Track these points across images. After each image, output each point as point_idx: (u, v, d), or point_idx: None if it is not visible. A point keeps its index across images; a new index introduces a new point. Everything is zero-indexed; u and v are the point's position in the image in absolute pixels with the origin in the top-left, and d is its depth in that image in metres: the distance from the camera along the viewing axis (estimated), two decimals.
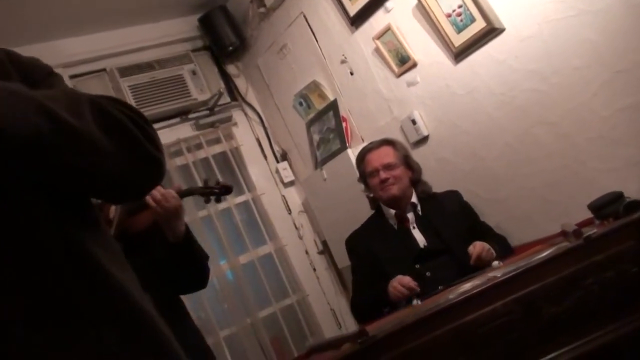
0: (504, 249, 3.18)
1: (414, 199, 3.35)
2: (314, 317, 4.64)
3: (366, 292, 3.19)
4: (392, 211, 3.34)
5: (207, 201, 2.75)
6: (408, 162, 3.40)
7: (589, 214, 2.63)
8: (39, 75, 1.16)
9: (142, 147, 1.12)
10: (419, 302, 2.74)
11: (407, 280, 2.97)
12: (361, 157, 3.45)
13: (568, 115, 3.05)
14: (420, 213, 3.33)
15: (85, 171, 1.04)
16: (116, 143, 1.07)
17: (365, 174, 3.41)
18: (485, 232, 3.27)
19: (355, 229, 3.52)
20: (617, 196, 2.49)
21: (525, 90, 3.18)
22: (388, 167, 3.30)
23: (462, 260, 3.01)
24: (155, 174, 1.18)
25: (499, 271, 2.32)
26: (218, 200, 2.75)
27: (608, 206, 2.45)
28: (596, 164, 3.00)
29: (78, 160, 1.02)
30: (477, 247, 2.96)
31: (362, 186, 3.53)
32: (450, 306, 2.13)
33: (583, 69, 2.94)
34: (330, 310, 4.71)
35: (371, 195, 3.46)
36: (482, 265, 2.90)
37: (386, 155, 3.35)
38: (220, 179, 3.09)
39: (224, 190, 2.72)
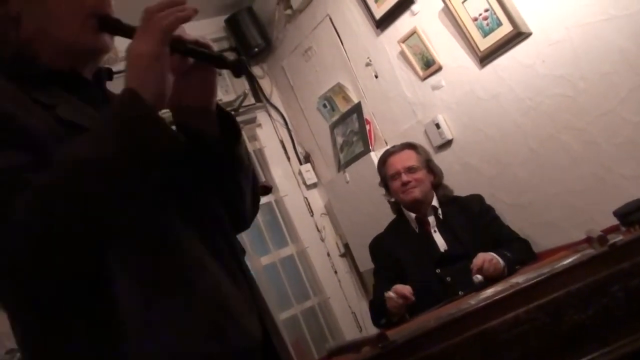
0: (523, 255, 3.12)
1: (434, 202, 3.34)
2: (335, 320, 4.63)
3: (381, 298, 3.18)
4: (413, 215, 3.32)
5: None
6: (430, 166, 3.39)
7: (614, 221, 2.59)
8: None
9: None
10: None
11: (402, 289, 2.95)
12: (383, 161, 3.45)
13: (595, 121, 3.02)
14: (441, 217, 3.31)
15: None
16: None
17: (386, 177, 3.40)
18: (505, 237, 3.23)
19: (378, 233, 3.52)
20: None
21: (552, 95, 3.15)
22: (410, 170, 3.30)
23: None
24: None
25: (521, 277, 2.29)
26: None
27: (634, 213, 2.42)
28: (623, 170, 2.97)
29: None
30: (478, 260, 2.89)
31: (383, 190, 3.52)
32: (472, 312, 2.11)
33: (612, 75, 2.91)
34: (351, 314, 4.70)
35: (392, 199, 3.46)
36: (487, 277, 2.84)
37: (408, 158, 3.35)
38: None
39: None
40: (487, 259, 2.90)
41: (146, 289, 1.11)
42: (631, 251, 2.11)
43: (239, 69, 1.21)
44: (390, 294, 2.97)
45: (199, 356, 1.14)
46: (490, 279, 2.82)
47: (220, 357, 1.16)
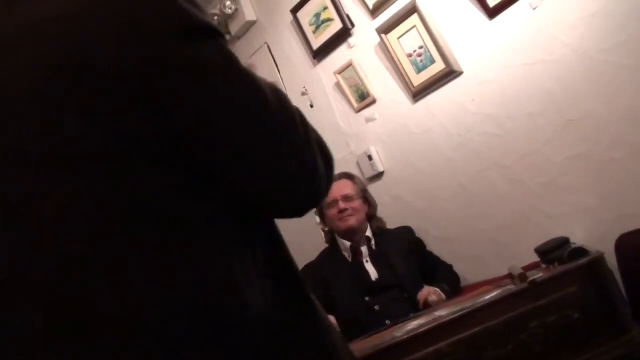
0: (454, 286, 3.22)
1: (368, 233, 3.38)
2: None
3: None
4: (348, 243, 3.35)
5: None
6: (366, 197, 3.44)
7: (536, 258, 2.67)
8: None
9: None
10: None
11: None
12: None
13: (522, 160, 3.11)
14: (374, 247, 3.35)
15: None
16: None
17: (323, 205, 3.42)
18: (436, 268, 3.31)
19: (310, 261, 3.52)
20: (564, 242, 2.54)
21: (481, 133, 3.24)
22: (347, 198, 3.33)
23: (413, 295, 3.05)
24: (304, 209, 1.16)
25: (444, 311, 2.33)
26: None
27: (554, 251, 2.50)
28: (546, 209, 3.06)
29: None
30: (424, 292, 3.03)
31: (316, 220, 3.54)
32: (396, 344, 2.14)
33: (537, 116, 3.00)
34: None
35: (327, 229, 3.47)
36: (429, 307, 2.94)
37: (345, 187, 3.38)
38: None
39: None
40: (432, 291, 3.03)
41: None
42: (550, 288, 2.18)
43: None
44: None
45: None
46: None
47: None
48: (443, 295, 3.04)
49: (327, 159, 1.12)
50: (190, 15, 0.97)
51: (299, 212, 1.14)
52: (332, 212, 3.35)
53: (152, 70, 0.93)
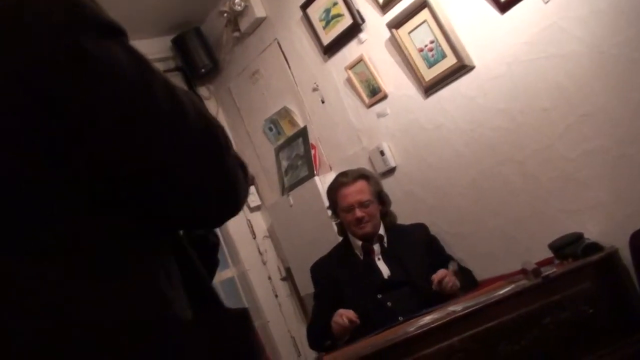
0: (469, 281, 3.20)
1: (381, 231, 3.35)
2: (274, 344, 4.60)
3: (322, 321, 3.18)
4: (359, 242, 3.33)
5: None
6: (380, 197, 3.40)
7: (550, 253, 2.66)
8: None
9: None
10: None
11: (347, 312, 2.97)
12: (335, 189, 3.40)
13: (534, 155, 3.09)
14: (386, 245, 3.33)
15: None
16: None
17: (337, 206, 3.39)
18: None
19: (321, 257, 3.51)
20: (577, 237, 2.52)
21: (493, 128, 3.22)
22: (363, 205, 3.28)
23: (425, 292, 3.02)
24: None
25: (458, 305, 2.32)
26: None
27: (567, 247, 2.49)
28: (559, 204, 3.04)
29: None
30: (440, 273, 2.98)
31: (328, 213, 3.52)
32: (408, 339, 2.13)
33: (550, 111, 2.99)
34: (290, 338, 4.68)
35: (338, 221, 3.45)
36: (444, 292, 2.93)
37: (361, 191, 3.31)
38: None
39: None
40: (448, 273, 2.99)
41: None
42: (563, 284, 2.17)
43: None
44: (337, 319, 2.97)
45: None
46: (449, 294, 2.94)
47: None
48: (457, 282, 3.01)
49: (242, 165, 1.07)
50: (97, 13, 0.92)
51: (219, 224, 1.12)
52: (348, 217, 3.30)
53: (53, 71, 0.87)
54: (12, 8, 0.87)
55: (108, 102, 0.88)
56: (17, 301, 0.84)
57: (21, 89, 0.85)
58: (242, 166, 1.07)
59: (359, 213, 3.26)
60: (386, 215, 3.41)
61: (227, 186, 1.01)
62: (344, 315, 2.96)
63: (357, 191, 3.32)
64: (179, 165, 0.94)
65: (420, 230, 3.42)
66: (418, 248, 3.30)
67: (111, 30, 0.93)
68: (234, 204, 1.06)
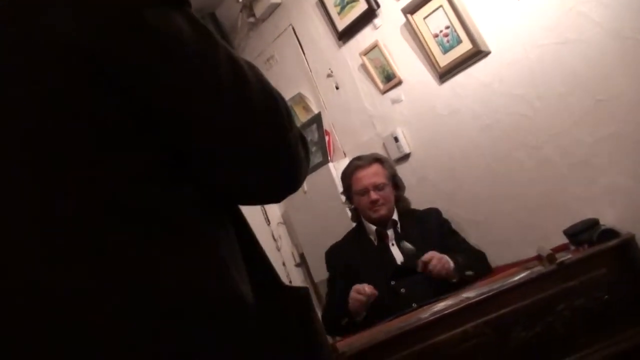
0: (476, 264, 3.17)
1: (395, 216, 3.35)
2: None
3: (338, 303, 3.18)
4: (374, 227, 3.33)
5: None
6: (395, 181, 3.40)
7: (565, 240, 2.64)
8: None
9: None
10: None
11: (362, 287, 2.97)
12: (350, 173, 3.40)
13: (550, 141, 3.07)
14: (399, 231, 3.32)
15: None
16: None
17: (351, 190, 3.39)
18: (462, 250, 3.27)
19: (335, 242, 3.51)
20: (593, 223, 2.50)
21: (509, 114, 3.20)
22: (378, 187, 3.29)
23: (439, 279, 3.01)
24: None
25: (472, 292, 2.31)
26: None
27: (583, 233, 2.47)
28: (575, 190, 3.01)
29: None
30: (427, 255, 3.00)
31: (342, 199, 3.52)
32: (421, 325, 2.13)
33: (567, 96, 2.96)
34: None
35: (353, 207, 3.45)
36: (434, 276, 2.95)
37: (376, 174, 3.32)
38: None
39: None
40: (436, 256, 2.99)
41: None
42: (578, 270, 2.15)
43: None
44: (353, 294, 2.97)
45: None
46: (438, 278, 2.95)
47: None
48: (450, 264, 2.99)
49: (304, 141, 1.06)
50: None
51: (277, 199, 1.10)
52: (363, 201, 3.31)
53: (112, 40, 0.87)
54: None
55: (168, 73, 0.89)
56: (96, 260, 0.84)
57: (83, 59, 0.85)
58: (304, 141, 1.05)
59: (374, 195, 3.26)
60: (400, 200, 3.41)
61: (288, 160, 1.00)
62: (360, 290, 2.96)
63: (372, 174, 3.32)
64: (241, 137, 0.94)
65: (433, 215, 3.41)
66: (432, 233, 3.29)
67: (181, 2, 0.95)
68: (294, 179, 1.05)
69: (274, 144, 0.97)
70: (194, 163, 0.94)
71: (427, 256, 2.98)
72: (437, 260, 2.97)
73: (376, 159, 3.40)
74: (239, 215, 1.07)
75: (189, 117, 0.91)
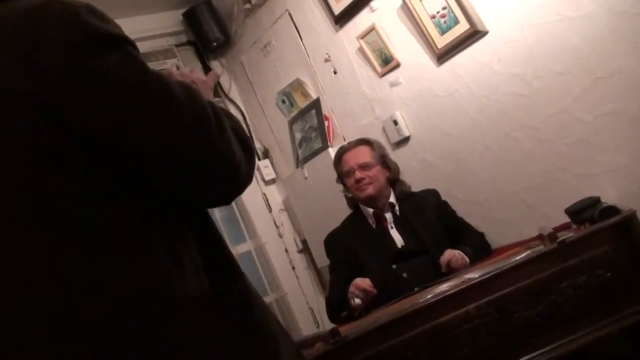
0: (481, 249, 3.18)
1: (392, 198, 3.35)
2: (293, 316, 4.62)
3: (339, 293, 3.17)
4: (371, 210, 3.33)
5: None
6: (385, 162, 3.39)
7: (567, 219, 2.63)
8: None
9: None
10: None
11: (361, 283, 2.94)
12: (338, 157, 3.46)
13: (549, 120, 3.06)
14: (398, 213, 3.32)
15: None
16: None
17: (342, 174, 3.40)
18: (462, 231, 3.28)
19: (333, 229, 3.51)
20: (594, 201, 2.49)
21: (507, 93, 3.19)
22: (364, 166, 3.30)
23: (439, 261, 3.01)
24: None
25: (474, 273, 2.31)
26: None
27: (584, 211, 2.46)
28: (575, 169, 3.01)
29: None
30: (446, 255, 2.97)
31: (341, 186, 3.52)
32: (424, 307, 2.13)
33: (565, 74, 2.95)
34: (309, 309, 4.70)
35: (349, 195, 3.45)
36: (454, 271, 2.90)
37: (362, 155, 3.35)
38: None
39: None
40: (455, 254, 2.97)
41: None
42: (580, 248, 2.15)
43: None
44: (353, 290, 2.95)
45: None
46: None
47: None
48: (466, 258, 3.00)
49: (247, 145, 1.22)
50: (94, 28, 1.06)
51: (224, 203, 1.26)
52: (350, 181, 3.33)
53: (56, 82, 1.02)
54: (20, 27, 1.04)
55: (107, 106, 1.04)
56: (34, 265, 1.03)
57: (32, 105, 1.02)
58: (244, 144, 1.21)
59: (358, 174, 3.28)
60: (396, 182, 3.40)
61: (222, 166, 1.14)
62: (359, 287, 2.93)
63: (357, 154, 3.36)
64: (174, 150, 1.08)
65: (431, 195, 3.41)
66: (430, 215, 3.29)
67: (110, 42, 1.08)
68: (229, 180, 1.19)
69: (199, 150, 1.11)
70: (139, 175, 1.09)
71: (446, 256, 2.97)
72: (456, 257, 2.97)
73: (363, 141, 3.44)
74: (204, 220, 1.23)
75: (128, 139, 1.06)
